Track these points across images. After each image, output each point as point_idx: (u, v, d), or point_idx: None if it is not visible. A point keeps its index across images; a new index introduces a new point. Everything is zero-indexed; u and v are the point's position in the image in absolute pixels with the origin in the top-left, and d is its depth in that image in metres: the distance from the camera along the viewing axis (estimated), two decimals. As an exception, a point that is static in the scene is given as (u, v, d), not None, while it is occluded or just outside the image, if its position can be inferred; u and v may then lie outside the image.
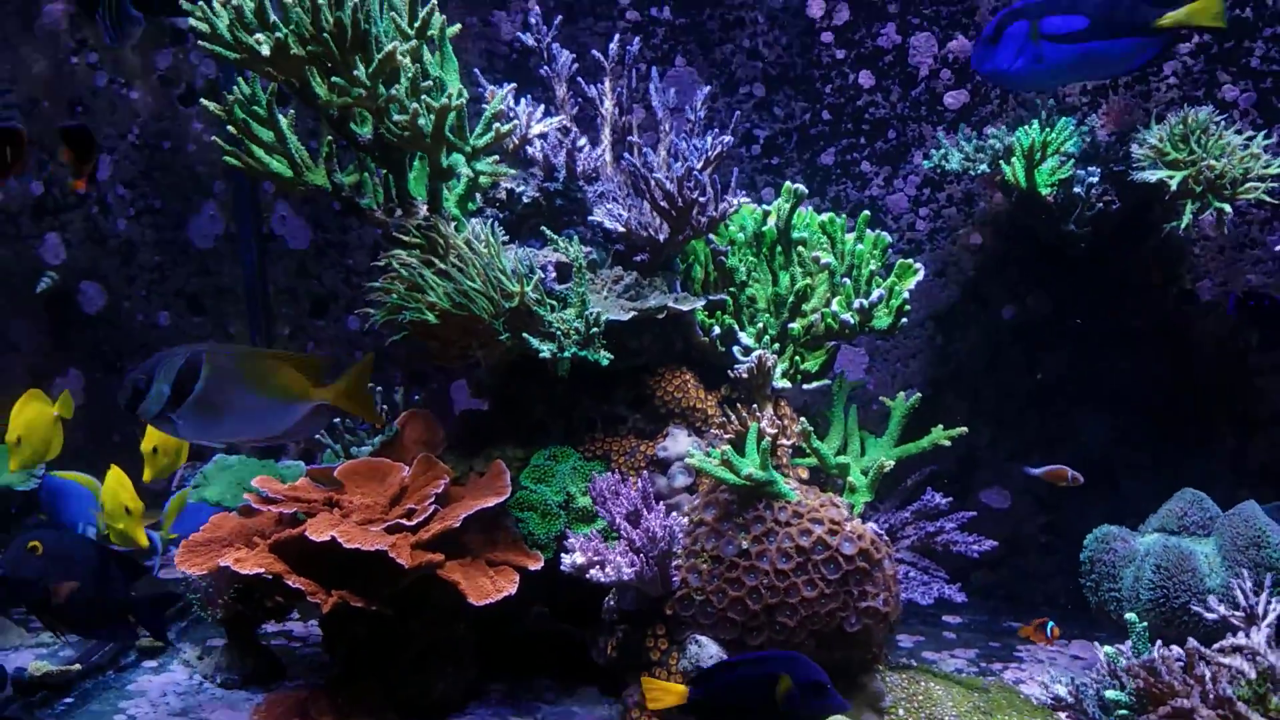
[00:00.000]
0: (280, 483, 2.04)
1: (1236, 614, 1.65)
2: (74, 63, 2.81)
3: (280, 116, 1.95)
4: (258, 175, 2.01)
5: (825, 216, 2.16)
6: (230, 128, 1.97)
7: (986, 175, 2.28)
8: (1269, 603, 1.61)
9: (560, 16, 2.25)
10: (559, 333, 1.82)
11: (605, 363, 1.83)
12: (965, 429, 2.02)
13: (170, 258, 2.86)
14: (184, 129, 2.79)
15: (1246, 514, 2.00)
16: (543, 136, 2.04)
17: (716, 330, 2.01)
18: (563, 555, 1.77)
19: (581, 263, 1.87)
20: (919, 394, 2.08)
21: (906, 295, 2.05)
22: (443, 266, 1.87)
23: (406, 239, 1.91)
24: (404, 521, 1.89)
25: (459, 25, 1.96)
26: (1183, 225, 2.00)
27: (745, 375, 1.99)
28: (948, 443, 2.03)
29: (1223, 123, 2.03)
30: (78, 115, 2.83)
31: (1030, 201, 2.17)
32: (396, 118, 1.72)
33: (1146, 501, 2.28)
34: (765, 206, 2.18)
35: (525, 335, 1.83)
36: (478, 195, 2.02)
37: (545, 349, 1.81)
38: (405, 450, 2.13)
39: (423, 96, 1.71)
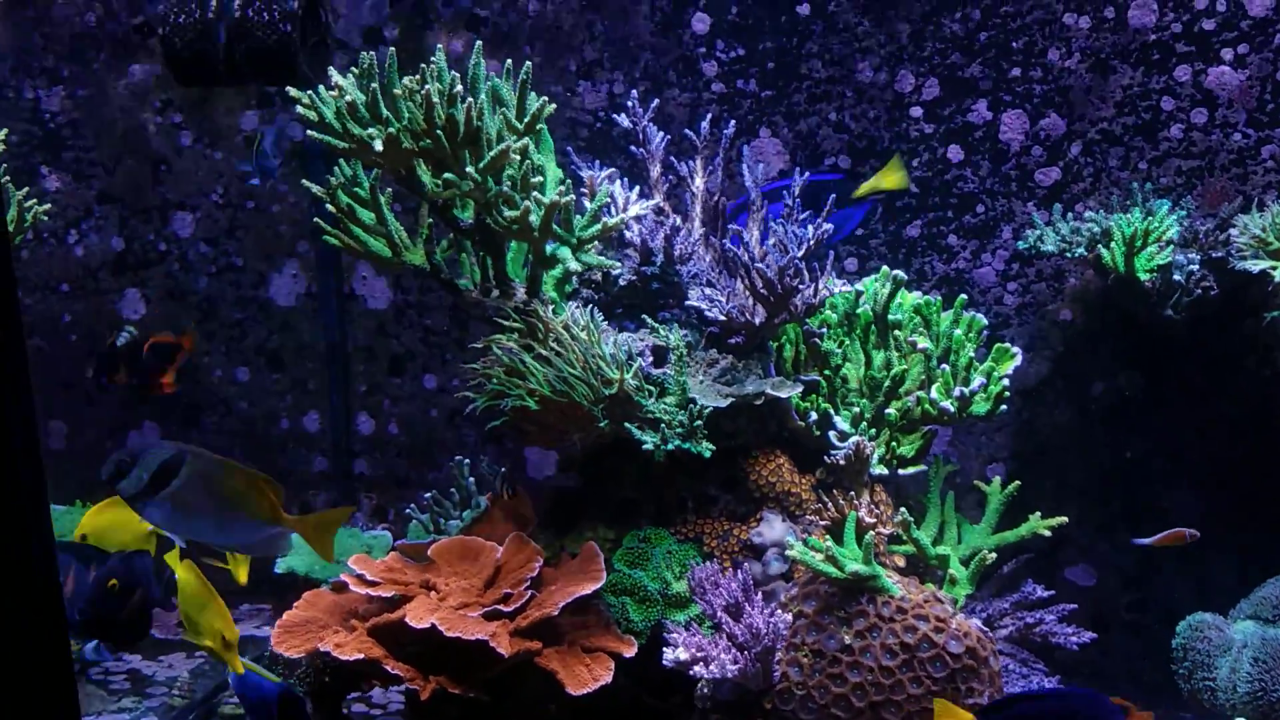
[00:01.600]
0: (373, 561, 2.06)
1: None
2: (159, 122, 2.87)
3: (380, 198, 1.98)
4: (357, 254, 2.05)
5: (921, 299, 2.17)
6: (331, 208, 2.01)
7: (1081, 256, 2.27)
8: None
9: (644, 87, 2.28)
10: (662, 423, 1.83)
11: (708, 454, 1.84)
12: (1065, 519, 2.01)
13: (250, 315, 2.91)
14: (270, 190, 2.84)
15: (1352, 609, 1.98)
16: (638, 218, 2.06)
17: (813, 415, 2.01)
18: (664, 649, 1.78)
19: (682, 351, 1.88)
20: (1018, 481, 2.07)
21: (1006, 382, 2.05)
22: (542, 352, 1.89)
23: (506, 323, 1.94)
24: (501, 608, 1.90)
25: (553, 105, 1.98)
26: (1286, 316, 1.99)
27: (842, 462, 1.99)
28: (1047, 532, 2.02)
29: (1329, 212, 2.02)
30: (161, 174, 2.89)
31: (1128, 286, 2.16)
32: (508, 214, 1.75)
33: (1233, 583, 2.26)
34: (856, 286, 2.19)
35: (627, 425, 1.84)
36: (574, 278, 2.04)
37: (649, 440, 1.82)
38: (496, 527, 2.14)
39: (533, 193, 1.73)
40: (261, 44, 2.26)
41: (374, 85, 1.78)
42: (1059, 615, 2.03)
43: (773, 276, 1.92)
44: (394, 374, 2.90)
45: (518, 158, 1.74)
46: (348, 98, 1.76)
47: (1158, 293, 2.18)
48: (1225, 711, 2.02)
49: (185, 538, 2.02)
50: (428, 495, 2.22)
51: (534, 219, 1.75)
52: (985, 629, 1.86)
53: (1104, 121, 2.35)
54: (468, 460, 2.28)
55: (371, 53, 1.81)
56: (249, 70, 2.29)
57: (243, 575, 1.88)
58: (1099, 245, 2.16)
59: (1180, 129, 2.29)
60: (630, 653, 1.93)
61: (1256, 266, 2.00)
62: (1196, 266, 2.14)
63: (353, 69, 1.86)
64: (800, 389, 1.98)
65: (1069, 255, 2.23)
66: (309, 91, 1.84)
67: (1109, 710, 1.45)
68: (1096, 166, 2.37)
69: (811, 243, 1.93)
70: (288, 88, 1.89)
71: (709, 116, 2.23)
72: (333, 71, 1.82)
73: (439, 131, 1.76)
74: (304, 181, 2.05)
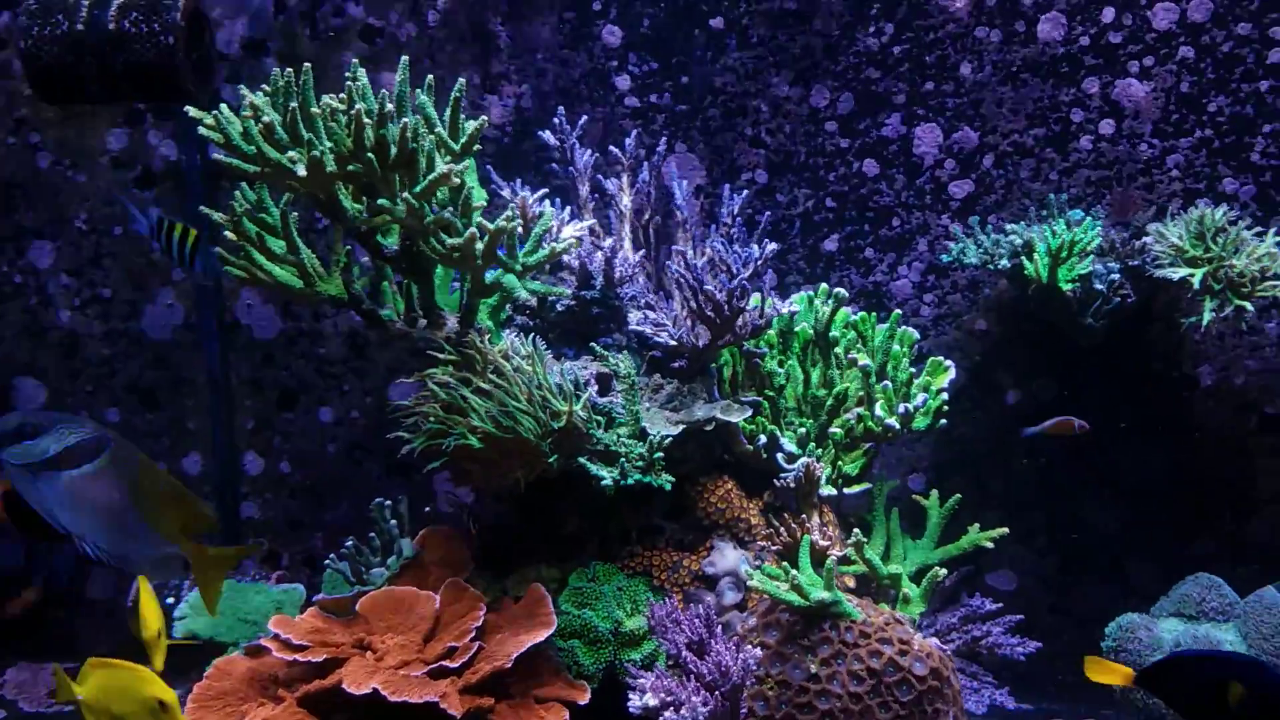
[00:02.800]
0: (295, 621, 1.90)
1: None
2: (11, 143, 2.60)
3: (292, 225, 1.83)
4: (265, 286, 1.89)
5: (857, 315, 2.16)
6: (233, 235, 1.84)
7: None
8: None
9: (555, 102, 2.20)
10: (620, 456, 1.75)
11: (669, 487, 1.77)
12: (1006, 530, 2.03)
13: (121, 350, 2.66)
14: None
15: (1268, 601, 2.07)
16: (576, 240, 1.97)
17: (762, 438, 1.97)
18: (631, 695, 1.69)
19: (634, 379, 1.81)
20: (959, 495, 2.08)
21: (945, 396, 2.06)
22: (482, 385, 1.78)
23: (439, 355, 1.82)
24: (447, 663, 1.78)
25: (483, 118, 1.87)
26: (1204, 322, 2.07)
27: (793, 484, 1.96)
28: (989, 544, 2.03)
29: (1238, 221, 2.12)
30: (15, 199, 2.61)
31: (1050, 295, 2.21)
32: (450, 241, 1.63)
33: (1150, 583, 2.34)
34: (791, 303, 2.16)
35: (582, 460, 1.75)
36: (508, 305, 1.94)
37: (607, 475, 1.74)
38: (428, 574, 2.01)
39: (477, 218, 1.62)
40: (141, 58, 2.06)
41: (293, 105, 1.64)
42: (1005, 627, 2.05)
43: (721, 298, 1.87)
44: (285, 408, 2.71)
45: (457, 182, 1.63)
46: (265, 118, 1.61)
47: (1079, 301, 2.23)
48: (1160, 710, 2.08)
49: (64, 529, 1.78)
50: (349, 542, 2.06)
51: (478, 246, 1.64)
52: (945, 648, 1.86)
53: (1015, 134, 2.41)
54: (388, 501, 2.13)
55: (289, 70, 1.66)
56: (127, 86, 2.08)
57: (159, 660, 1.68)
58: (1021, 256, 2.20)
59: (1089, 140, 2.36)
60: (584, 700, 1.83)
61: (1176, 274, 2.08)
62: (1118, 275, 2.21)
63: (264, 87, 1.70)
64: (750, 411, 1.94)
65: (992, 267, 2.27)
66: (214, 111, 1.68)
67: (1271, 672, 1.46)
68: (1008, 178, 2.43)
69: (759, 262, 1.89)
70: (187, 108, 1.73)
71: (635, 133, 2.16)
72: (245, 90, 1.67)
73: (369, 155, 1.63)
74: (203, 209, 1.88)
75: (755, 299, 1.93)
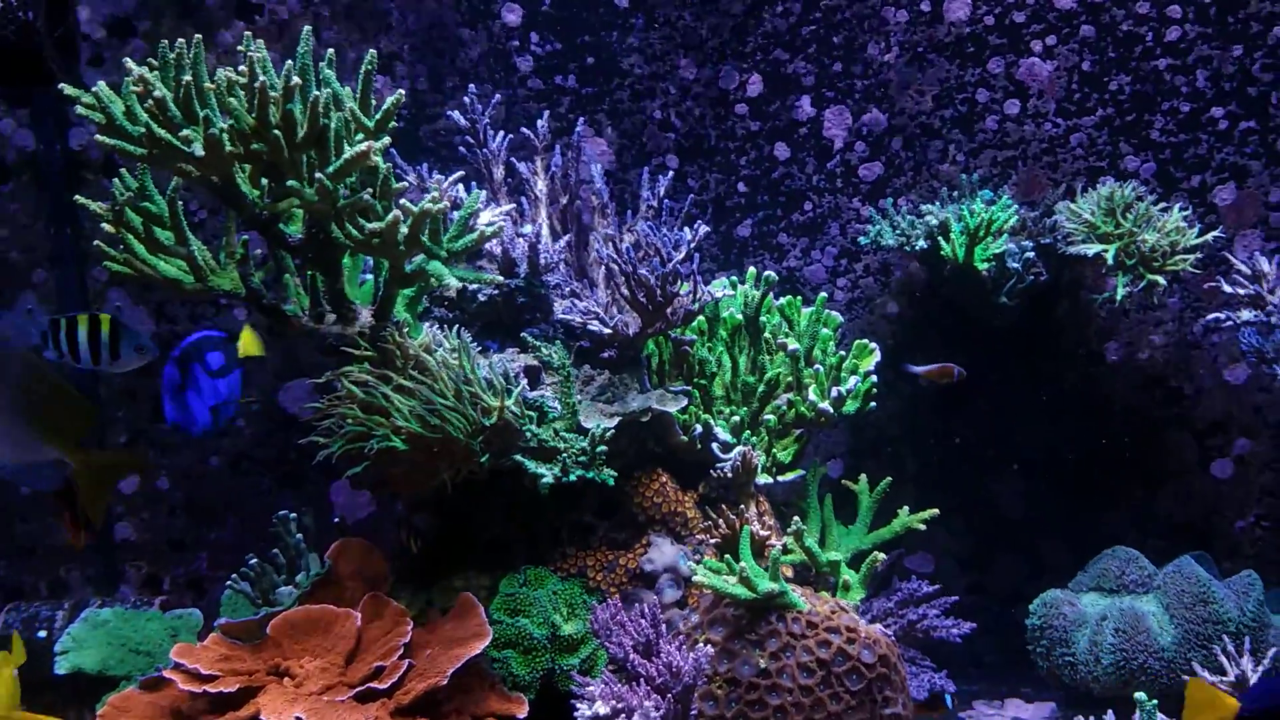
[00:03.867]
0: (198, 648, 1.73)
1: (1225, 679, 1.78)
2: None
3: (180, 213, 1.67)
4: (151, 281, 1.72)
5: (784, 299, 2.13)
6: (110, 227, 1.67)
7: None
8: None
9: (453, 83, 2.09)
10: (561, 453, 1.66)
11: (612, 482, 1.69)
12: (936, 510, 2.03)
13: (-29, 363, 2.41)
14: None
15: (1187, 571, 2.13)
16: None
17: (697, 429, 1.91)
18: (577, 706, 1.61)
19: (569, 370, 1.72)
20: (889, 478, 2.07)
21: (874, 379, 2.04)
22: (404, 382, 1.66)
23: (354, 352, 1.69)
24: (375, 685, 1.66)
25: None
26: (1119, 298, 2.12)
27: (730, 474, 1.90)
28: (921, 526, 2.03)
29: (1144, 197, 2.17)
30: None
31: (966, 276, 2.23)
32: (372, 226, 1.51)
33: (1063, 558, 2.39)
34: (720, 289, 2.11)
35: (519, 458, 1.65)
36: (425, 296, 1.82)
37: (547, 473, 1.65)
38: (344, 589, 1.88)
39: (400, 200, 1.51)
40: (-5, 33, 1.85)
41: (186, 79, 1.49)
42: (941, 609, 2.05)
43: (654, 284, 1.80)
44: (162, 419, 2.50)
45: (376, 160, 1.51)
46: (155, 93, 1.46)
47: (993, 281, 2.26)
48: (1086, 684, 2.12)
49: None
50: (252, 560, 1.90)
51: (403, 230, 1.52)
52: (890, 634, 1.84)
53: (923, 115, 2.42)
54: (294, 514, 1.98)
55: (180, 41, 1.51)
56: (-21, 65, 1.87)
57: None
58: (937, 237, 2.21)
59: (995, 120, 2.40)
60: (522, 713, 1.74)
61: (1090, 250, 2.12)
62: (1031, 253, 2.24)
63: (150, 60, 1.54)
64: (685, 401, 1.88)
65: (909, 249, 2.27)
66: (94, 89, 1.51)
67: None
68: (917, 160, 2.44)
69: (691, 245, 1.83)
70: (61, 86, 1.55)
71: (547, 114, 2.07)
72: (129, 62, 1.50)
73: (275, 132, 1.49)
74: (78, 198, 1.69)
75: (686, 284, 1.87)
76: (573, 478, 1.65)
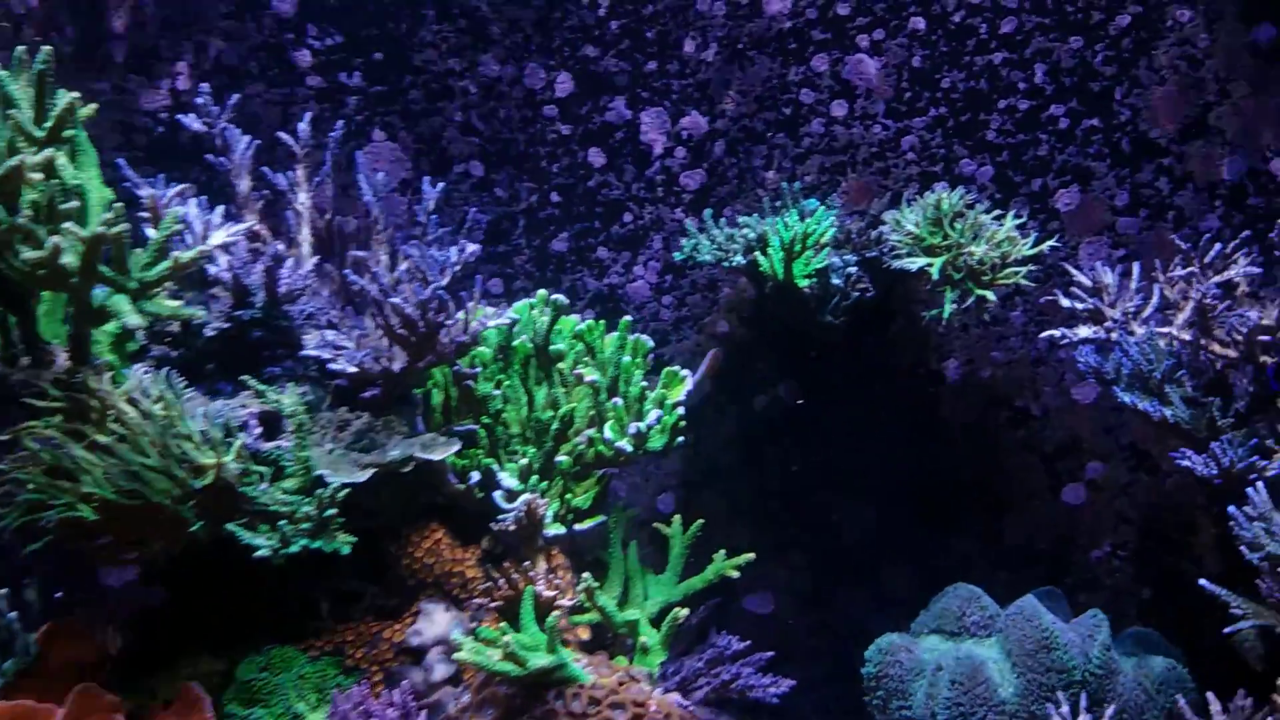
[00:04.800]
0: None
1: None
2: None
3: None
4: None
5: (584, 324, 1.92)
6: None
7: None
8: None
9: (220, 81, 1.84)
10: (284, 519, 1.42)
11: (346, 551, 1.46)
12: (752, 555, 1.85)
13: None
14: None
15: (1029, 613, 1.98)
16: (226, 248, 1.63)
17: (474, 476, 1.69)
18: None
19: (302, 418, 1.48)
20: (701, 520, 1.88)
21: (681, 411, 1.85)
22: (100, 439, 1.40)
23: (42, 403, 1.43)
24: (72, 798, 1.40)
25: (94, 105, 1.49)
26: (945, 315, 1.96)
27: (513, 527, 1.69)
28: (735, 573, 1.84)
29: (975, 204, 2.02)
30: None
31: (788, 293, 2.05)
32: (27, 255, 1.25)
33: (909, 590, 2.24)
34: (508, 313, 1.89)
35: (231, 527, 1.41)
36: (140, 333, 1.56)
37: (264, 545, 1.41)
38: (53, 679, 1.60)
39: (67, 224, 1.25)
40: None
41: None
42: (756, 666, 1.87)
43: (412, 313, 1.57)
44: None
45: (38, 176, 1.26)
46: None
47: (817, 299, 2.09)
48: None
49: None
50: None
51: (69, 260, 1.27)
52: (684, 701, 1.65)
53: (745, 118, 2.24)
54: (5, 590, 1.70)
55: None
56: None
57: None
58: (756, 251, 2.03)
59: (821, 123, 2.23)
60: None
61: (914, 264, 1.96)
62: (854, 268, 2.08)
63: None
64: (458, 445, 1.65)
65: (727, 264, 2.09)
66: None
67: None
68: (741, 167, 2.26)
69: (457, 267, 1.61)
70: None
71: (308, 116, 1.83)
72: None
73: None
74: None
75: (466, 311, 1.65)
76: (295, 549, 1.42)
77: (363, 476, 1.54)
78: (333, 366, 1.57)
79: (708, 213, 2.20)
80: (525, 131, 2.23)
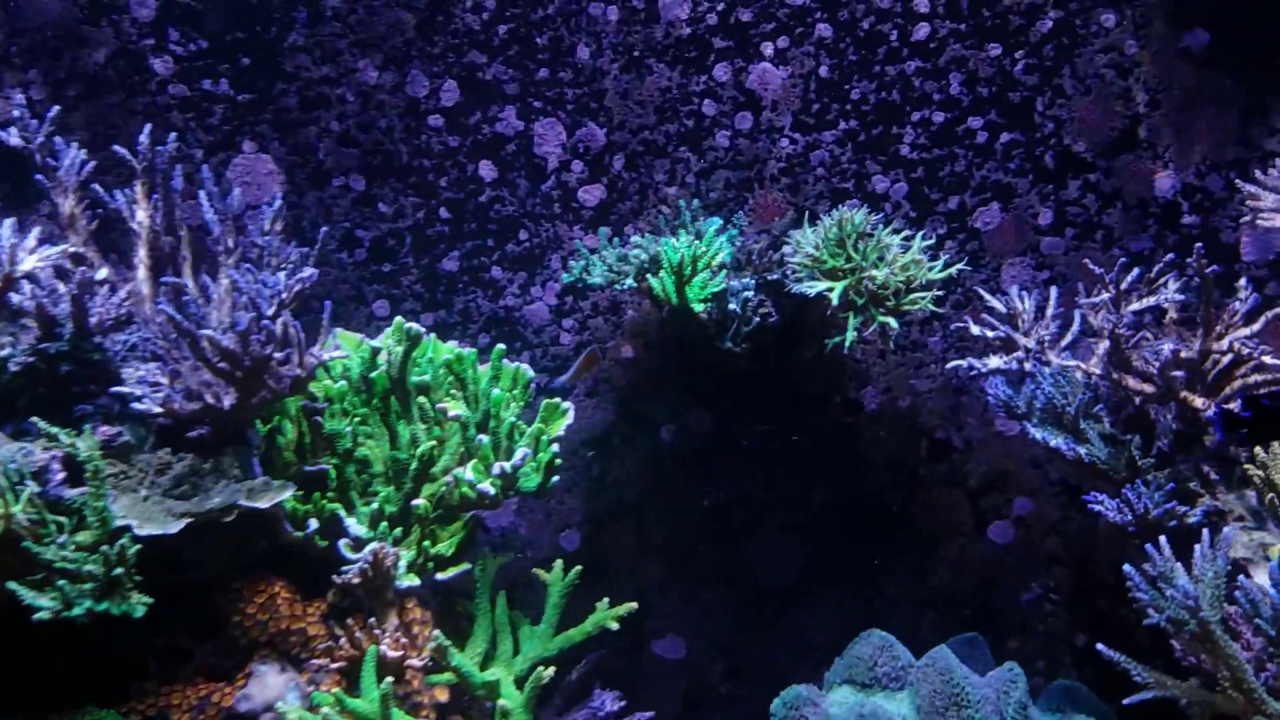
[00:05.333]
0: None
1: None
2: None
3: None
4: None
5: (452, 352, 1.78)
6: None
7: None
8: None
9: (76, 90, 1.71)
10: (68, 577, 1.28)
11: (139, 613, 1.32)
12: (634, 605, 1.72)
13: None
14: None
15: (941, 665, 1.85)
16: (30, 276, 1.49)
17: (313, 525, 1.55)
18: None
19: (97, 463, 1.34)
20: (579, 568, 1.75)
21: (556, 450, 1.71)
22: None
23: None
24: None
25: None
26: (847, 343, 1.83)
27: (357, 579, 1.55)
28: (615, 625, 1.71)
29: (880, 224, 1.89)
30: None
31: (683, 318, 1.93)
32: None
33: (830, 633, 2.11)
34: (376, 341, 1.76)
35: (13, 586, 1.27)
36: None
37: (44, 607, 1.27)
38: None
39: None
40: None
41: None
42: (638, 725, 1.74)
43: (232, 346, 1.44)
44: None
45: None
46: None
47: (715, 324, 1.96)
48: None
49: None
50: None
51: None
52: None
53: (645, 130, 2.11)
54: None
55: None
56: None
57: None
58: (648, 274, 1.90)
59: (726, 136, 2.10)
60: None
61: (813, 289, 1.83)
62: (752, 292, 1.95)
63: None
64: (291, 490, 1.51)
65: (619, 287, 1.96)
66: None
67: None
68: (642, 182, 2.13)
69: (286, 295, 1.47)
70: None
71: (148, 128, 1.69)
72: None
73: None
74: None
75: (299, 340, 1.51)
76: (79, 611, 1.28)
77: (176, 527, 1.40)
78: (136, 407, 1.43)
79: (603, 231, 2.07)
80: (409, 143, 2.10)
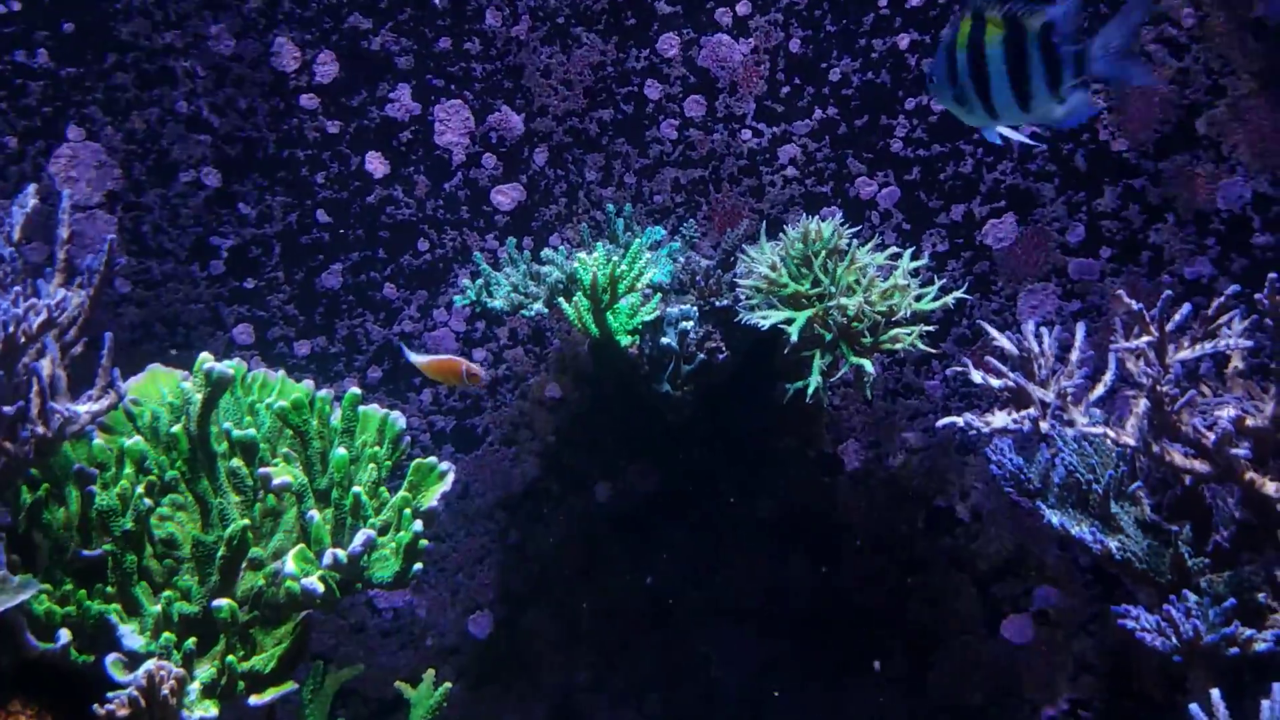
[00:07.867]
0: None
1: None
2: None
3: None
4: None
5: (296, 394, 1.45)
6: None
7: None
8: None
9: None
10: None
11: None
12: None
13: None
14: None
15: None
16: None
17: (62, 636, 1.22)
18: None
19: None
20: (448, 684, 1.41)
21: (419, 527, 1.38)
22: None
23: None
24: None
25: None
26: (810, 389, 1.49)
27: (125, 711, 1.22)
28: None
29: (855, 239, 1.55)
30: None
31: (606, 353, 1.59)
32: None
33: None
34: (186, 384, 1.43)
35: None
36: None
37: None
38: None
39: None
40: None
41: None
42: None
43: (-65, 396, 1.11)
44: None
45: None
46: None
47: (650, 360, 1.62)
48: None
49: None
50: None
51: None
52: None
53: (574, 117, 1.78)
54: None
55: None
56: None
57: None
58: (560, 298, 1.56)
59: (673, 126, 1.77)
60: None
61: (767, 320, 1.49)
62: (693, 322, 1.61)
63: None
64: (32, 590, 1.19)
65: (525, 314, 1.62)
66: None
67: None
68: (571, 181, 1.80)
69: (34, 329, 1.14)
70: None
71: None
72: None
73: None
74: None
75: (44, 394, 1.18)
76: None
77: None
78: None
79: (510, 242, 1.73)
80: (276, 129, 1.78)
